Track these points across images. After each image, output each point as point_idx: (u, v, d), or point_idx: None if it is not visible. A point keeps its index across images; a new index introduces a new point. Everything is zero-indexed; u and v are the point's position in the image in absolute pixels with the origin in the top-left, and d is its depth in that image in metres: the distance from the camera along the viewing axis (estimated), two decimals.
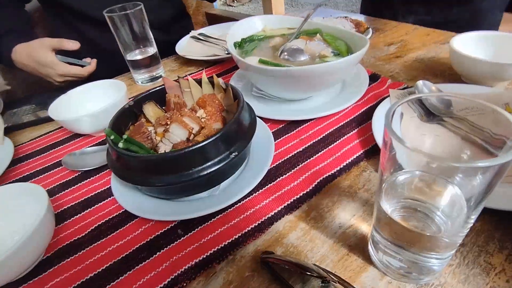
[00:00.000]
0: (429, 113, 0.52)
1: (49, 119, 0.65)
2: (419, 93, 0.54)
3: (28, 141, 0.62)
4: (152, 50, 0.75)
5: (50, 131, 0.64)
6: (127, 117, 0.46)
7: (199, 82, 0.50)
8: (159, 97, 0.49)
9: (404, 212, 0.31)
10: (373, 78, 0.63)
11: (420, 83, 0.54)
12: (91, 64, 0.80)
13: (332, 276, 0.30)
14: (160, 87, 0.50)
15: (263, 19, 0.70)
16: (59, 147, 0.59)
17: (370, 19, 0.95)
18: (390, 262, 0.32)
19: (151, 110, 0.48)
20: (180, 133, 0.41)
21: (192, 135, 0.43)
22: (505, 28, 0.95)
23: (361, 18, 0.91)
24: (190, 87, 0.49)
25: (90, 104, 0.62)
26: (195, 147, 0.36)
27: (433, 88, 0.54)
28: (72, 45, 0.78)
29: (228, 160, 0.39)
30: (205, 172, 0.37)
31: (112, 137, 0.38)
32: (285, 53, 0.58)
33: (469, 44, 0.60)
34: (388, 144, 0.26)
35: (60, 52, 0.78)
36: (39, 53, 0.76)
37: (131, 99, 0.48)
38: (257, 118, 0.52)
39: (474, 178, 0.25)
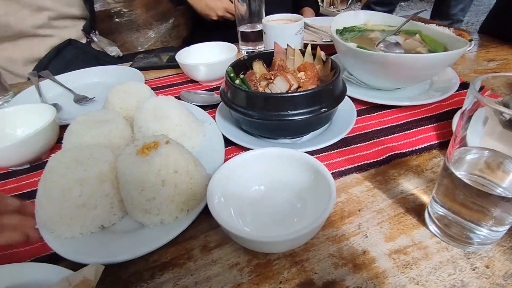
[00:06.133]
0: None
1: (172, 66, 0.80)
2: None
3: (153, 79, 0.78)
4: (259, 27, 0.86)
5: (170, 75, 0.79)
6: (240, 67, 0.56)
7: (303, 52, 0.58)
8: (266, 58, 0.59)
9: (471, 182, 0.35)
10: (464, 86, 0.64)
11: None
12: None
13: None
14: (269, 51, 0.59)
15: (367, 13, 0.75)
16: (176, 87, 0.73)
17: (477, 35, 0.93)
18: (443, 226, 0.36)
19: (258, 67, 0.58)
20: (282, 85, 0.50)
21: (290, 90, 0.51)
22: None
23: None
24: (294, 55, 0.58)
25: (206, 59, 0.75)
26: (295, 94, 0.45)
27: None
28: None
29: (318, 113, 0.46)
30: (298, 117, 0.45)
31: (231, 74, 0.49)
32: (382, 45, 0.63)
33: None
34: (466, 114, 0.31)
35: None
36: None
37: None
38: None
39: None
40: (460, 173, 0.34)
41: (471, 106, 0.31)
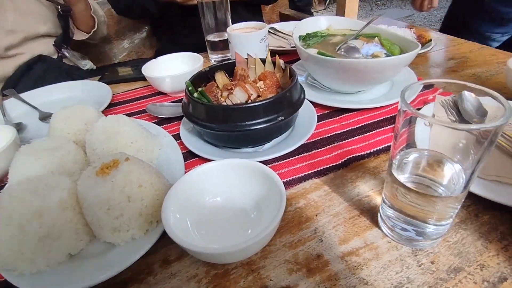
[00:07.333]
0: (462, 120, 0.55)
1: (139, 78, 0.80)
2: (462, 102, 0.57)
3: (122, 92, 0.78)
4: (226, 35, 0.87)
5: (139, 87, 0.80)
6: (202, 79, 0.57)
7: (263, 61, 0.59)
8: (229, 69, 0.60)
9: (413, 184, 0.37)
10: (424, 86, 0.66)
11: (465, 93, 0.57)
12: None
13: None
14: (231, 61, 0.60)
15: (328, 19, 0.77)
16: (144, 100, 0.73)
17: (439, 34, 0.96)
18: (393, 227, 0.38)
19: (220, 77, 0.59)
20: (241, 95, 0.51)
21: (250, 100, 0.52)
22: None
23: (433, 33, 0.93)
24: (255, 64, 0.59)
25: (173, 70, 0.75)
26: (251, 104, 0.46)
27: (477, 99, 0.56)
28: None
29: (275, 122, 0.47)
30: (256, 127, 0.47)
31: (190, 88, 0.50)
32: (342, 50, 0.65)
33: None
34: (402, 115, 0.32)
35: None
36: None
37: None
38: (306, 100, 0.60)
39: (472, 150, 0.30)
40: (403, 175, 0.36)
41: (403, 113, 0.32)
